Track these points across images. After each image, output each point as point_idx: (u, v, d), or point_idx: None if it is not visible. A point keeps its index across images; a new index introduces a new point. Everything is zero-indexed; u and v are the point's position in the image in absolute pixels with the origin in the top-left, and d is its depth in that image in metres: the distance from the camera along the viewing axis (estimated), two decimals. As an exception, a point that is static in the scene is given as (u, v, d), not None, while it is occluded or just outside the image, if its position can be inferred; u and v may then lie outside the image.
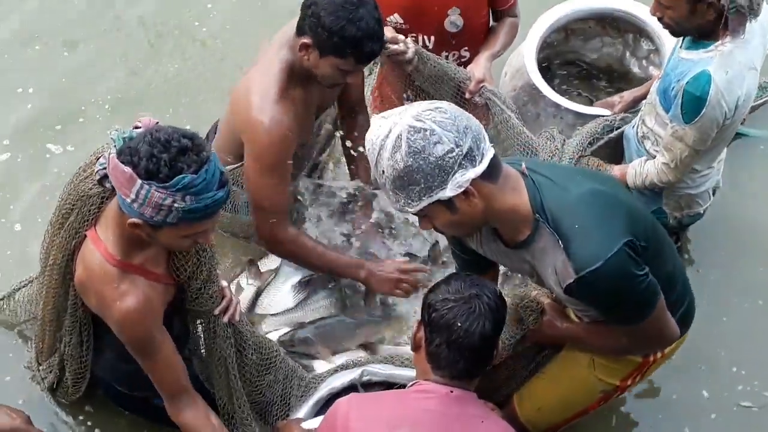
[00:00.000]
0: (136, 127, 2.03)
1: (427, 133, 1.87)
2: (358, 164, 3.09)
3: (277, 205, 2.69)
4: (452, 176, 1.88)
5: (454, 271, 2.54)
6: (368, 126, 2.98)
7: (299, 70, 2.58)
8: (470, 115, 1.96)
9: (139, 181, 1.92)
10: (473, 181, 1.90)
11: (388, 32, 2.96)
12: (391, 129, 1.90)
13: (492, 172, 1.94)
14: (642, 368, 2.42)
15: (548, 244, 2.01)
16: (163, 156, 1.91)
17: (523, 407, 2.57)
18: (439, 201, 1.92)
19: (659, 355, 2.40)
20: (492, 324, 2.08)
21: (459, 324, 2.04)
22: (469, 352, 2.07)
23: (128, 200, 1.95)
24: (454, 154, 1.87)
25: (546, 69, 3.73)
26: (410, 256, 3.03)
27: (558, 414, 2.56)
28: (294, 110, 2.60)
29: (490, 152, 1.93)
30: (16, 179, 3.62)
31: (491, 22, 3.23)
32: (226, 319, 2.37)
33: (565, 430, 2.67)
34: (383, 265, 2.84)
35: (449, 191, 1.90)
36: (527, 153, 3.03)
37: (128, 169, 1.92)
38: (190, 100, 3.88)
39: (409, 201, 1.93)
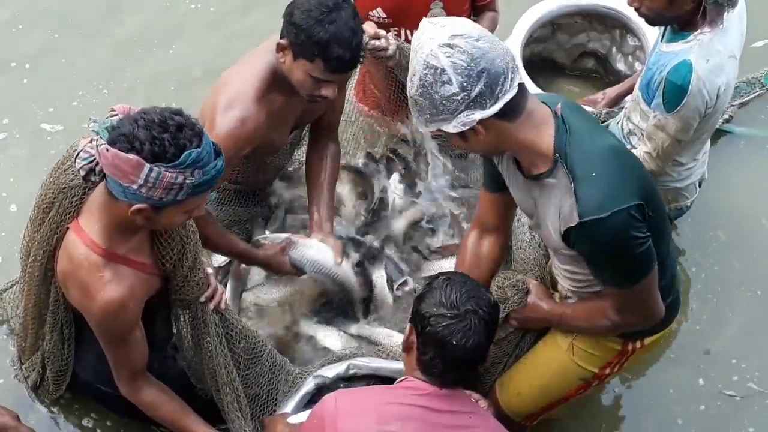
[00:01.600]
0: (112, 115, 2.00)
1: (438, 71, 1.89)
2: (313, 193, 2.94)
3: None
4: (457, 115, 1.92)
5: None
6: (337, 156, 2.99)
7: (281, 77, 2.54)
8: (502, 51, 1.93)
9: (148, 166, 1.90)
10: (485, 119, 1.92)
11: (370, 28, 2.95)
12: (422, 44, 1.93)
13: (509, 112, 1.94)
14: (621, 357, 2.41)
15: (560, 184, 2.01)
16: (165, 136, 1.90)
17: (504, 393, 2.57)
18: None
19: (638, 345, 2.38)
20: (486, 337, 2.07)
21: (455, 342, 2.03)
22: (462, 366, 2.08)
23: (134, 186, 1.93)
24: (459, 97, 1.90)
25: (531, 64, 3.73)
26: None
27: (537, 400, 2.55)
28: (267, 114, 2.56)
29: (508, 94, 1.92)
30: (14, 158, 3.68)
31: (471, 17, 3.22)
32: (212, 306, 2.36)
33: (558, 422, 2.68)
34: (275, 247, 2.81)
35: (452, 128, 1.94)
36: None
37: (133, 156, 1.89)
38: (184, 90, 3.89)
39: (421, 121, 2.00)
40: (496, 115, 1.93)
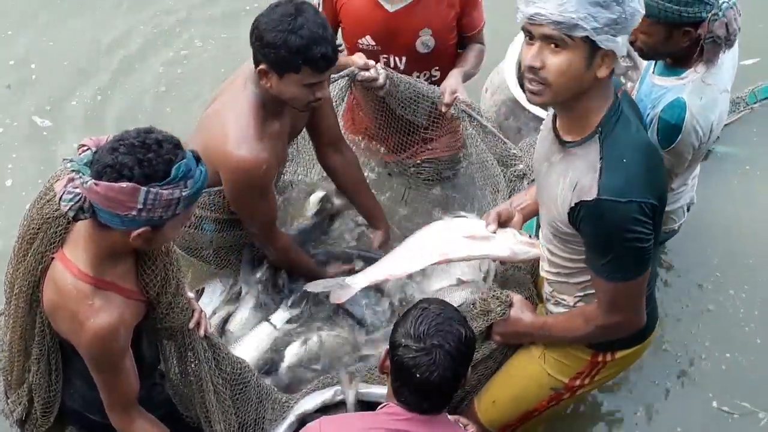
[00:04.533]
0: (84, 150, 2.00)
1: None
2: (359, 203, 3.14)
3: (273, 218, 2.83)
4: (614, 36, 1.93)
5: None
6: (355, 160, 3.09)
7: (270, 103, 2.57)
8: None
9: (144, 189, 1.92)
10: (608, 53, 1.95)
11: (359, 59, 2.98)
12: None
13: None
14: (591, 368, 2.44)
15: (588, 157, 2.05)
16: (150, 156, 1.92)
17: (481, 402, 2.63)
18: (593, 44, 1.94)
19: (608, 357, 2.41)
20: (452, 372, 2.09)
21: (418, 375, 2.06)
22: (432, 395, 2.10)
23: (133, 213, 1.95)
24: (616, 17, 1.91)
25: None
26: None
27: (510, 409, 2.59)
28: (273, 145, 2.62)
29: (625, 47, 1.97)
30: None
31: (458, 49, 3.23)
32: (202, 332, 2.37)
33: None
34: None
35: (609, 43, 1.93)
36: (503, 164, 3.02)
37: (125, 183, 1.91)
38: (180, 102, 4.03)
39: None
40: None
